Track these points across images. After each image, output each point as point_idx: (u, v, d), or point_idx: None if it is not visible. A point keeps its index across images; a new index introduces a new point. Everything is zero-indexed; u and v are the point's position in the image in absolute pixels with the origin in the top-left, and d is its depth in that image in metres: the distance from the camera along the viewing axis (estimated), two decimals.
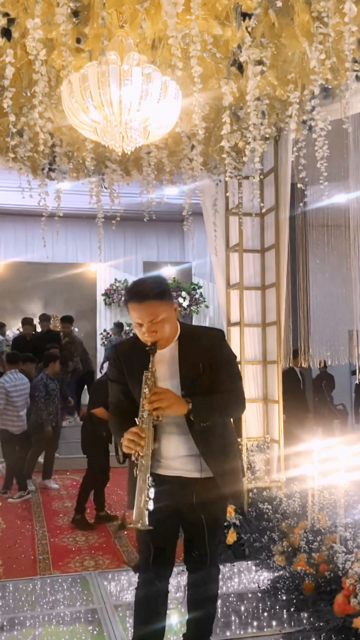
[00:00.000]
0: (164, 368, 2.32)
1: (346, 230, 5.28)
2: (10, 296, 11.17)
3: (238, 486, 2.47)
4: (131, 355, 2.34)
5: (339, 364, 7.04)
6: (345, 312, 6.32)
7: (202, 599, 2.55)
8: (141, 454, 2.14)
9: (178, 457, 2.34)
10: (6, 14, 2.52)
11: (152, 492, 2.10)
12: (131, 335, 11.30)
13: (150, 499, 2.10)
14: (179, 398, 2.20)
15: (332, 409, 9.29)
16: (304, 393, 6.67)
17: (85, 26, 2.65)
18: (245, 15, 2.50)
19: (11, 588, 3.79)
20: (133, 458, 2.18)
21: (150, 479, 2.12)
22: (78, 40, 2.74)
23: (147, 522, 2.08)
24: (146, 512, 2.08)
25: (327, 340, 6.75)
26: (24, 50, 2.82)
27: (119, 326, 10.53)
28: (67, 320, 9.65)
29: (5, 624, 3.27)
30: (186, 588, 2.60)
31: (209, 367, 2.29)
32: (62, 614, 3.39)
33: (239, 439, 2.61)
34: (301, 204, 4.90)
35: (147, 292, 2.21)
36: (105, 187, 4.48)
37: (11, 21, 2.57)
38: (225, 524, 4.15)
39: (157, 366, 2.27)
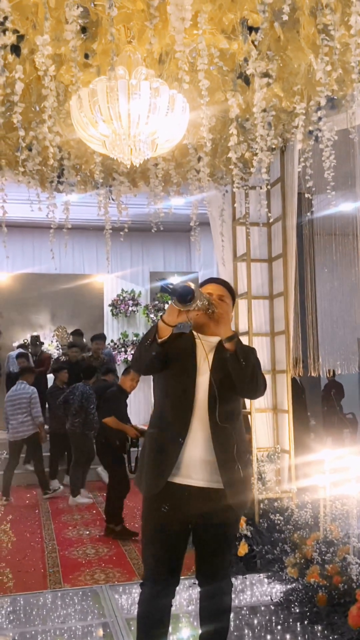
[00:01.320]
0: (201, 353, 2.42)
1: (354, 239, 5.29)
2: (18, 307, 11.22)
3: (246, 496, 2.45)
4: (176, 338, 2.42)
5: (349, 373, 7.01)
6: (354, 320, 6.30)
7: (214, 613, 2.52)
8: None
9: (196, 462, 2.33)
10: (15, 31, 2.56)
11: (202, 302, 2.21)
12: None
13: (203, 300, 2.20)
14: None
15: (341, 417, 9.24)
16: (305, 401, 6.63)
17: (94, 42, 2.68)
18: (251, 29, 2.53)
19: (22, 602, 3.77)
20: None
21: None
22: (86, 56, 2.77)
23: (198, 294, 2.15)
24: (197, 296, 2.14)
25: (337, 349, 6.73)
26: (32, 66, 2.86)
27: (101, 337, 10.56)
28: (78, 334, 9.74)
29: (17, 638, 3.26)
30: (198, 602, 2.58)
31: None
32: (73, 628, 3.38)
33: (249, 454, 2.58)
34: (308, 213, 4.90)
35: (227, 284, 2.58)
36: (112, 199, 4.51)
37: (20, 38, 2.60)
38: (236, 535, 4.12)
39: (196, 349, 2.42)
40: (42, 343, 10.67)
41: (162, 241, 11.66)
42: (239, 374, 2.31)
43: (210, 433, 2.33)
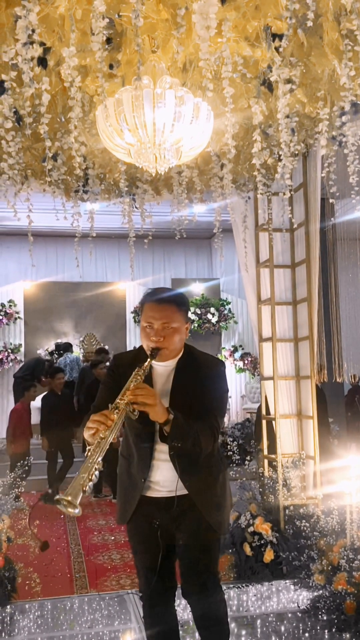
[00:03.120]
0: (157, 383, 2.33)
1: None
2: (42, 316, 11.37)
3: (222, 517, 2.37)
4: (131, 367, 2.22)
5: None
6: None
7: (204, 625, 2.40)
8: (101, 435, 1.95)
9: (163, 481, 2.31)
10: (42, 43, 2.61)
11: (96, 475, 1.88)
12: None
13: (92, 481, 1.87)
14: (163, 405, 2.13)
15: None
16: (326, 407, 6.57)
17: (118, 52, 2.73)
18: (274, 36, 2.55)
19: (49, 606, 3.81)
20: (90, 440, 1.99)
21: (100, 463, 1.90)
22: (110, 66, 2.82)
23: (77, 503, 1.82)
24: (81, 493, 1.83)
25: None
26: (58, 77, 2.92)
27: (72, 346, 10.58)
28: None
29: None
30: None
31: (200, 393, 2.27)
32: (100, 633, 3.39)
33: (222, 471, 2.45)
34: (332, 219, 4.89)
35: (169, 297, 2.31)
36: (136, 207, 4.56)
37: (47, 50, 2.66)
38: (262, 541, 4.10)
39: (154, 376, 2.31)
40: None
41: (183, 248, 11.73)
42: (176, 448, 2.19)
43: (172, 463, 2.26)
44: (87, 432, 2.02)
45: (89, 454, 1.93)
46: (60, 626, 3.52)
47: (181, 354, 2.35)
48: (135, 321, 11.55)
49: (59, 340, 10.98)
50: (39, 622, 3.57)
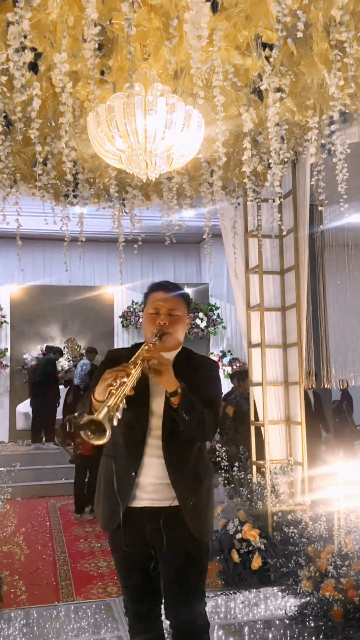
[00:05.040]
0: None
1: None
2: (29, 319, 11.29)
3: (208, 523, 2.29)
4: (127, 360, 2.16)
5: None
6: None
7: None
8: (124, 380, 1.97)
9: (151, 485, 2.23)
10: (33, 49, 2.60)
11: (121, 411, 1.89)
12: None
13: (119, 412, 1.87)
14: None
15: (353, 429, 9.20)
16: (317, 414, 6.58)
17: (109, 59, 2.73)
18: (265, 45, 2.56)
19: (35, 615, 3.77)
20: (102, 396, 1.98)
21: (124, 401, 1.91)
22: (102, 72, 2.82)
23: (106, 425, 1.81)
24: (108, 415, 1.83)
25: (350, 360, 6.72)
26: (49, 82, 2.91)
27: (91, 351, 10.53)
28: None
29: None
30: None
31: (197, 388, 2.23)
32: None
33: (209, 478, 2.39)
34: (321, 226, 4.92)
35: (175, 287, 2.38)
36: (125, 212, 4.55)
37: (38, 55, 2.65)
38: (249, 548, 4.10)
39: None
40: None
41: (172, 253, 11.74)
42: (183, 425, 2.15)
43: (164, 459, 2.21)
44: (102, 384, 1.99)
45: (113, 394, 1.92)
46: (46, 635, 3.49)
47: (179, 349, 2.37)
48: (123, 325, 11.53)
49: (50, 344, 10.86)
50: (25, 630, 3.54)
